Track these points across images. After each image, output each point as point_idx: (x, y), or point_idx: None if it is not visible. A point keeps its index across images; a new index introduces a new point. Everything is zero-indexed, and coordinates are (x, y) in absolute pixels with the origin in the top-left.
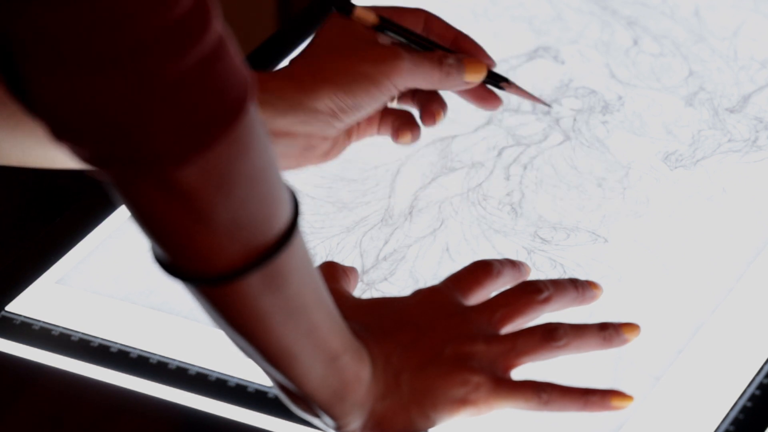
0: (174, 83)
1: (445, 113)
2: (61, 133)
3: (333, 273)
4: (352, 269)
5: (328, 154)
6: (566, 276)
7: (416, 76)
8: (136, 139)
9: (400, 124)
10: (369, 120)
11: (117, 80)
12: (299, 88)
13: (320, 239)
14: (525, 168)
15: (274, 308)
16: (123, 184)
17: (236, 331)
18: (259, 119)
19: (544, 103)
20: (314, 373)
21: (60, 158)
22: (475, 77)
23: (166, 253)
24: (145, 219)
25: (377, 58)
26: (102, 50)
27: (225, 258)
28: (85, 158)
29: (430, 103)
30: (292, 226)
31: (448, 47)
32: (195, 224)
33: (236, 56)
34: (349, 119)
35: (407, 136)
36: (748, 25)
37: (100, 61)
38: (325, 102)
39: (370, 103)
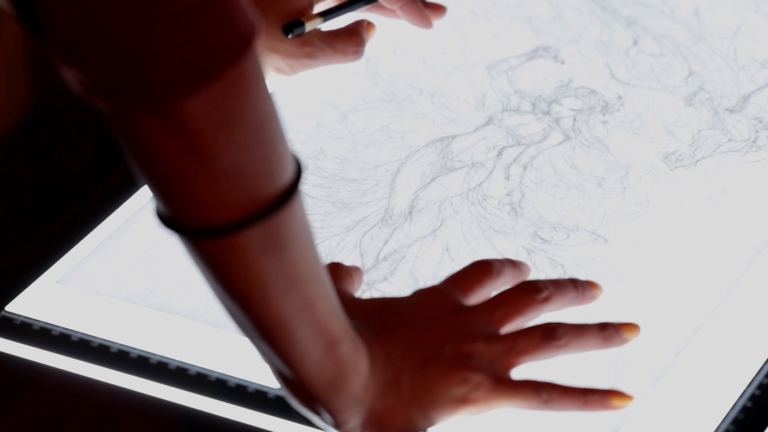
0: (184, 9)
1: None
2: (69, 57)
3: (336, 273)
4: (357, 269)
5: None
6: (566, 276)
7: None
8: (143, 65)
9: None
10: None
11: (127, 1)
12: None
13: (320, 239)
14: (525, 168)
15: (272, 273)
16: (126, 118)
17: (232, 297)
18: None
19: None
20: (311, 356)
21: None
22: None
23: (165, 202)
24: (145, 158)
25: (285, 54)
26: None
27: (225, 207)
28: (90, 87)
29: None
30: (294, 186)
31: None
32: (196, 165)
33: None
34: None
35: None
36: (748, 25)
37: None
38: (271, 70)
39: (313, 66)
